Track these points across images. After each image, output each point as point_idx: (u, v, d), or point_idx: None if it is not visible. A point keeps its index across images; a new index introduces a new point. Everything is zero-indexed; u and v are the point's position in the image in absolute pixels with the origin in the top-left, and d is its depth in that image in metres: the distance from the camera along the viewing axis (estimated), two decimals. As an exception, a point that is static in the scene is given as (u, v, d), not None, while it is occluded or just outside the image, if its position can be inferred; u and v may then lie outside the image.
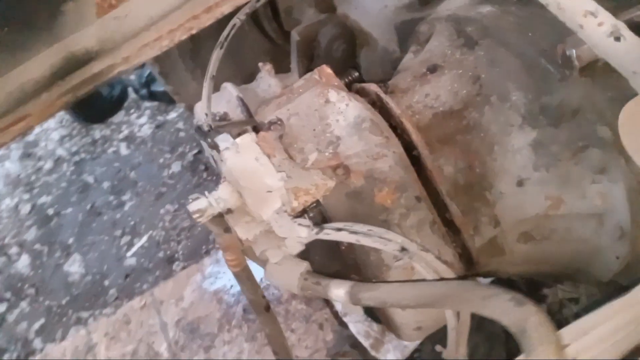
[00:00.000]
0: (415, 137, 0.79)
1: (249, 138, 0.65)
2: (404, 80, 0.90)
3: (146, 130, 2.27)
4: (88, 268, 1.89)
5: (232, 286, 1.69)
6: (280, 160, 0.72)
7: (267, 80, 1.23)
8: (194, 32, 0.97)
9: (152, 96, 2.28)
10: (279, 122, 0.77)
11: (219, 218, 0.69)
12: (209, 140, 0.70)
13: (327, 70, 0.89)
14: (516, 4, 0.82)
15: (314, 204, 0.71)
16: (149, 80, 2.25)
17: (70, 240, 2.00)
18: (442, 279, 0.62)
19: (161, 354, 1.59)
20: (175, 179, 2.06)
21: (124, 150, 2.24)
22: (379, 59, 1.34)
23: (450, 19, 0.92)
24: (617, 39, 0.59)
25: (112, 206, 2.06)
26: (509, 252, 0.90)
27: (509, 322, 0.41)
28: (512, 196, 0.84)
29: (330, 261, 0.87)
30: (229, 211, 0.66)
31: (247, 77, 1.29)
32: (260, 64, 1.21)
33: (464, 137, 0.84)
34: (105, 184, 2.14)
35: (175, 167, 2.09)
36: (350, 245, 0.74)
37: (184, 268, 1.80)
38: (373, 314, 1.55)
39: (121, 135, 2.29)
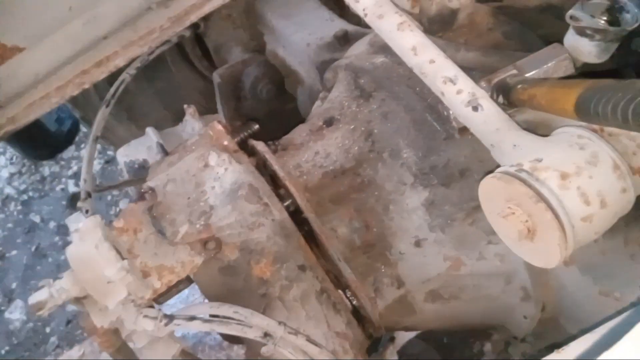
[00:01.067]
0: (300, 200, 0.74)
1: (92, 222, 0.59)
2: (299, 135, 0.85)
3: (95, 166, 2.21)
4: (29, 315, 1.81)
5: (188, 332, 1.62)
6: (145, 235, 0.67)
7: (191, 123, 1.18)
8: (86, 86, 0.93)
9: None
10: (149, 192, 0.72)
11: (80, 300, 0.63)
12: (66, 219, 0.65)
13: (217, 127, 0.84)
14: (406, 56, 0.78)
15: (182, 283, 0.66)
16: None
17: (14, 285, 1.93)
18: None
19: (98, 407, 1.52)
20: (122, 217, 2.00)
21: (72, 187, 2.17)
22: (307, 97, 1.30)
23: (348, 68, 0.88)
24: (475, 108, 0.55)
25: (58, 247, 2.00)
26: (419, 311, 0.85)
27: None
28: (412, 256, 0.79)
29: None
30: (77, 299, 0.61)
31: (180, 115, 1.24)
32: (185, 106, 1.17)
33: (359, 196, 0.79)
34: (52, 224, 2.08)
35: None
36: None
37: (127, 313, 1.73)
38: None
39: (70, 172, 2.23)
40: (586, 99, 0.42)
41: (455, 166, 0.72)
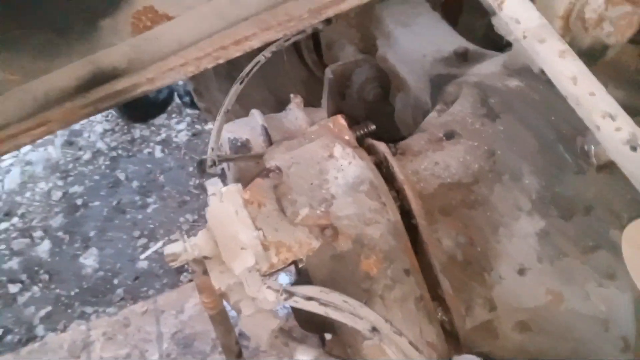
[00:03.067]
0: (415, 206, 0.76)
1: (234, 189, 0.63)
2: (418, 143, 0.87)
3: (183, 137, 2.32)
4: (102, 264, 1.93)
5: (229, 311, 1.68)
6: (269, 210, 0.70)
7: (295, 112, 1.23)
8: (220, 61, 0.98)
9: (195, 105, 2.33)
10: (277, 171, 0.76)
11: (201, 259, 0.68)
12: (201, 180, 0.70)
13: (340, 120, 0.87)
14: (544, 83, 0.78)
15: (298, 262, 0.69)
16: (193, 89, 2.31)
17: (91, 233, 2.05)
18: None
19: (152, 363, 1.59)
20: (200, 190, 2.09)
21: (158, 152, 2.29)
22: (411, 106, 1.31)
23: (477, 86, 0.89)
24: (634, 148, 0.54)
25: (137, 206, 2.11)
26: (502, 338, 0.84)
27: None
28: (512, 283, 0.78)
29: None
30: (206, 257, 0.65)
31: (280, 103, 1.29)
32: (291, 96, 1.21)
33: (469, 212, 0.79)
34: (135, 183, 2.20)
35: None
36: (329, 308, 0.72)
37: (190, 280, 1.81)
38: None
39: (159, 138, 2.35)
40: None
41: (581, 202, 0.71)
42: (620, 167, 0.57)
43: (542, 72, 0.76)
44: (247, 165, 1.06)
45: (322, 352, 0.64)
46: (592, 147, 0.65)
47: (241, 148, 1.13)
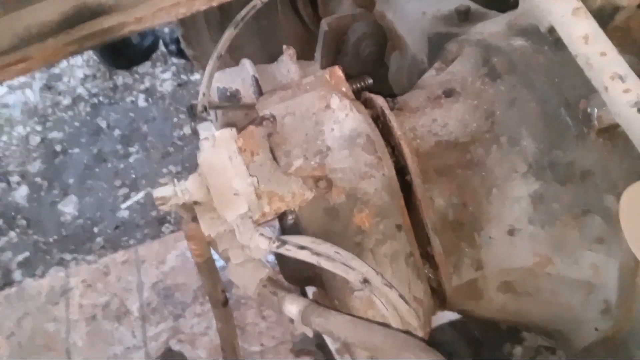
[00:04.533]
0: (411, 162, 0.74)
1: (227, 134, 0.61)
2: (416, 99, 0.85)
3: (167, 87, 2.25)
4: (81, 212, 1.90)
5: (216, 260, 1.68)
6: (262, 159, 0.68)
7: (287, 65, 1.19)
8: (214, 4, 0.93)
9: (181, 54, 2.25)
10: (271, 119, 0.73)
11: (190, 205, 0.66)
12: (192, 124, 0.67)
13: (338, 72, 0.84)
14: (551, 44, 0.76)
15: (289, 212, 0.68)
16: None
17: (71, 181, 2.01)
18: (390, 328, 0.58)
19: (132, 312, 1.59)
20: (184, 142, 2.05)
21: (142, 102, 2.23)
22: (407, 66, 1.28)
23: (479, 44, 0.86)
24: (641, 111, 0.53)
25: (119, 155, 2.06)
26: (486, 298, 0.85)
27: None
28: (501, 244, 0.79)
29: (305, 264, 0.84)
30: (196, 203, 0.63)
31: (272, 57, 1.25)
32: (284, 47, 1.17)
33: (464, 172, 0.79)
34: (117, 132, 2.14)
35: (188, 129, 2.07)
36: (319, 261, 0.71)
37: (173, 232, 1.79)
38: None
39: (142, 87, 2.28)
40: None
41: (578, 167, 0.71)
42: (625, 129, 0.56)
43: (550, 31, 0.74)
44: (236, 116, 1.03)
45: (310, 303, 0.63)
46: (595, 109, 0.64)
47: (230, 98, 1.09)
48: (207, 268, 0.75)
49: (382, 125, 0.79)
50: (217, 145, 0.60)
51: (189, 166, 1.96)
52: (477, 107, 0.79)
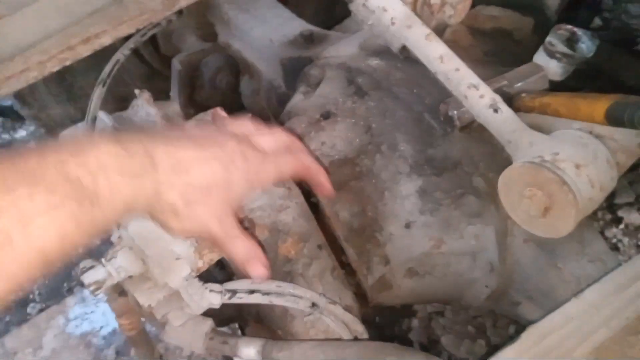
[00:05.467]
0: (315, 186, 0.81)
1: (152, 201, 0.60)
2: (299, 126, 0.91)
3: (-10, 151, 1.97)
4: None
5: (101, 327, 1.55)
6: (181, 216, 0.68)
7: (145, 108, 1.15)
8: (68, 63, 0.87)
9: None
10: (177, 174, 0.73)
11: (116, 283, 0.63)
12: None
13: (221, 113, 0.87)
14: (402, 61, 0.89)
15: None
16: (-8, 94, 1.96)
17: None
18: (355, 338, 0.64)
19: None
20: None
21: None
22: (264, 91, 1.34)
23: (340, 67, 0.96)
24: (495, 110, 0.67)
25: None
26: (396, 287, 0.96)
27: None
28: (401, 237, 0.90)
29: (224, 307, 0.85)
30: (129, 277, 0.61)
31: (118, 99, 1.19)
32: (137, 91, 1.13)
33: (358, 184, 0.88)
34: None
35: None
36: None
37: (41, 310, 1.59)
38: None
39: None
40: (616, 109, 0.57)
41: (449, 159, 0.84)
42: (485, 125, 0.70)
43: (401, 51, 0.87)
44: None
45: (266, 341, 0.66)
46: (455, 112, 0.77)
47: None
48: (141, 339, 0.72)
49: (278, 156, 0.84)
50: (143, 216, 0.59)
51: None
52: (355, 124, 0.89)
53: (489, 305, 1.04)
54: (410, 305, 1.58)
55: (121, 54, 0.89)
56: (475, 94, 0.68)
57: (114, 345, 1.53)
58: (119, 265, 0.58)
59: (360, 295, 0.90)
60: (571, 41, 0.81)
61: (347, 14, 1.28)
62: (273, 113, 1.29)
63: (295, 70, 1.16)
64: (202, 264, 0.66)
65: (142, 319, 0.71)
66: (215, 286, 0.62)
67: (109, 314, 1.57)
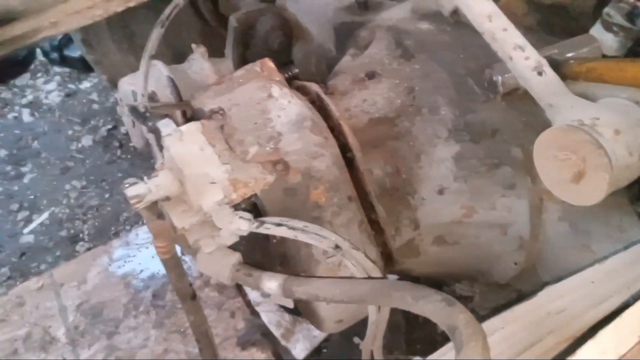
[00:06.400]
0: (352, 140, 0.82)
1: (194, 127, 0.64)
2: (342, 83, 0.93)
3: (54, 98, 2.10)
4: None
5: (141, 271, 1.63)
6: (220, 150, 0.71)
7: (199, 63, 1.20)
8: (131, 4, 0.93)
9: (64, 61, 2.12)
10: (220, 112, 0.76)
11: (153, 204, 0.67)
12: (150, 123, 0.68)
13: (269, 64, 0.90)
14: (452, 25, 0.88)
15: (251, 197, 0.72)
16: (62, 44, 2.09)
17: (-44, 211, 1.80)
18: (369, 277, 0.66)
19: (58, 339, 1.49)
20: (84, 154, 1.93)
21: (26, 116, 2.05)
22: (314, 55, 1.36)
23: (390, 29, 0.97)
24: (540, 73, 0.66)
25: (9, 177, 1.89)
26: (423, 253, 0.97)
27: (440, 320, 0.46)
28: (432, 202, 0.90)
29: (252, 251, 0.88)
30: (166, 198, 0.65)
31: (176, 55, 1.25)
32: (193, 46, 1.18)
33: (394, 143, 0.89)
34: (2, 152, 1.96)
35: (86, 141, 1.96)
36: (282, 239, 0.76)
37: (89, 249, 1.70)
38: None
39: (24, 101, 2.10)
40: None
41: (488, 126, 0.84)
42: (527, 89, 0.69)
43: (452, 15, 0.86)
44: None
45: (288, 276, 0.69)
46: (499, 77, 0.76)
47: (131, 105, 1.09)
48: (173, 264, 0.76)
49: (319, 109, 0.86)
50: (185, 139, 0.62)
51: (95, 179, 1.86)
52: (398, 84, 0.90)
53: (516, 284, 1.03)
54: (439, 286, 1.57)
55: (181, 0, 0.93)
56: (520, 55, 0.67)
57: (151, 289, 1.61)
58: (158, 183, 0.62)
59: (385, 255, 0.92)
60: (632, 15, 0.78)
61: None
62: (322, 78, 1.31)
63: (347, 35, 1.17)
64: (236, 197, 0.69)
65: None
66: (246, 214, 0.65)
67: (149, 259, 1.66)
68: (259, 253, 0.88)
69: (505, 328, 0.57)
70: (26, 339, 1.49)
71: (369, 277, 0.65)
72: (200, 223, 0.68)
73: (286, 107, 0.79)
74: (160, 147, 0.82)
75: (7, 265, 1.68)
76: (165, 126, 0.65)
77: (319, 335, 1.47)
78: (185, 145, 0.62)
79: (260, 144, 0.75)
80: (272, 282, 0.69)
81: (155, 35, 0.88)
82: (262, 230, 0.65)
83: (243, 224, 0.63)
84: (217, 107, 0.76)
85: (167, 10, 0.90)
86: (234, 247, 0.75)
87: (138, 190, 0.61)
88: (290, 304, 0.70)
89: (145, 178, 0.63)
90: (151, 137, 0.83)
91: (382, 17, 1.04)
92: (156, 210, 0.69)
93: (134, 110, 0.80)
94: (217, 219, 0.63)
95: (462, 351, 0.39)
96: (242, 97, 0.81)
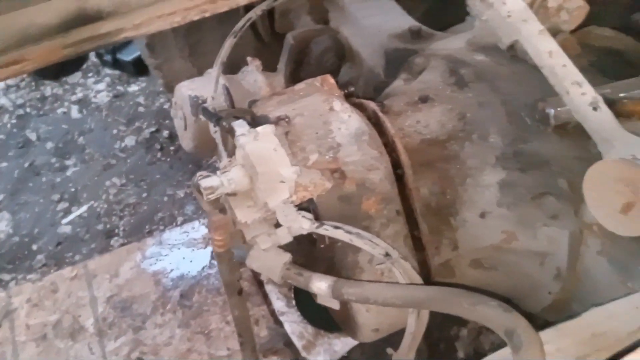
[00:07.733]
0: (404, 157, 0.87)
1: (269, 129, 0.69)
2: (397, 104, 0.97)
3: (103, 98, 2.20)
4: (17, 228, 1.79)
5: (172, 270, 1.68)
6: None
7: (254, 75, 1.27)
8: (207, 14, 0.99)
9: (116, 64, 2.22)
10: (286, 119, 0.81)
11: (216, 199, 0.72)
12: (225, 123, 0.73)
13: (330, 80, 0.95)
14: (507, 59, 0.93)
15: (308, 201, 0.76)
16: (116, 47, 2.19)
17: (1, 197, 1.88)
18: (421, 285, 0.69)
19: (86, 328, 1.54)
20: (127, 153, 2.01)
21: (75, 113, 2.15)
22: (363, 78, 1.42)
23: (445, 58, 1.02)
24: (595, 109, 0.70)
25: (54, 168, 1.97)
26: (459, 275, 0.99)
27: (497, 325, 0.49)
28: (474, 225, 0.93)
29: (295, 254, 0.92)
30: (233, 193, 0.69)
31: (228, 65, 1.31)
32: (249, 59, 1.25)
33: (443, 165, 0.92)
34: (49, 144, 2.04)
35: (129, 141, 2.04)
36: (331, 245, 0.80)
37: (123, 245, 1.76)
38: (309, 316, 1.60)
39: (74, 97, 2.20)
40: None
41: (538, 157, 0.87)
42: (582, 123, 0.72)
43: (509, 49, 0.91)
44: (205, 125, 1.09)
45: (337, 278, 0.72)
46: (552, 110, 0.80)
47: (202, 105, 1.15)
48: (227, 257, 0.80)
49: (374, 125, 0.91)
50: (260, 139, 0.67)
51: (134, 178, 1.93)
52: (451, 110, 0.94)
53: (548, 316, 1.04)
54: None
55: (254, 13, 0.99)
56: (577, 90, 0.71)
57: (180, 289, 1.65)
58: (231, 177, 0.67)
59: (423, 273, 0.95)
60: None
61: (453, 21, 1.33)
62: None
63: (398, 61, 1.22)
64: (295, 199, 0.74)
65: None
66: (308, 214, 0.69)
67: (180, 260, 1.71)
68: (302, 257, 0.91)
69: (549, 344, 0.59)
70: (56, 325, 1.54)
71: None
72: (260, 220, 0.73)
73: (346, 121, 0.84)
74: (226, 146, 0.87)
75: (44, 253, 1.74)
76: (240, 126, 0.70)
77: (339, 350, 1.49)
78: (259, 145, 0.67)
79: (321, 153, 0.80)
80: (322, 283, 0.72)
81: (229, 44, 0.95)
82: (321, 230, 0.69)
83: (305, 223, 0.67)
84: (283, 114, 0.81)
85: (241, 22, 0.97)
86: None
87: (212, 182, 0.66)
88: (336, 305, 0.74)
89: (218, 172, 0.68)
90: (217, 137, 0.88)
91: (438, 47, 1.09)
92: (219, 204, 0.74)
93: (205, 111, 0.85)
94: (281, 216, 0.67)
95: (522, 351, 0.42)
96: (306, 107, 0.86)
